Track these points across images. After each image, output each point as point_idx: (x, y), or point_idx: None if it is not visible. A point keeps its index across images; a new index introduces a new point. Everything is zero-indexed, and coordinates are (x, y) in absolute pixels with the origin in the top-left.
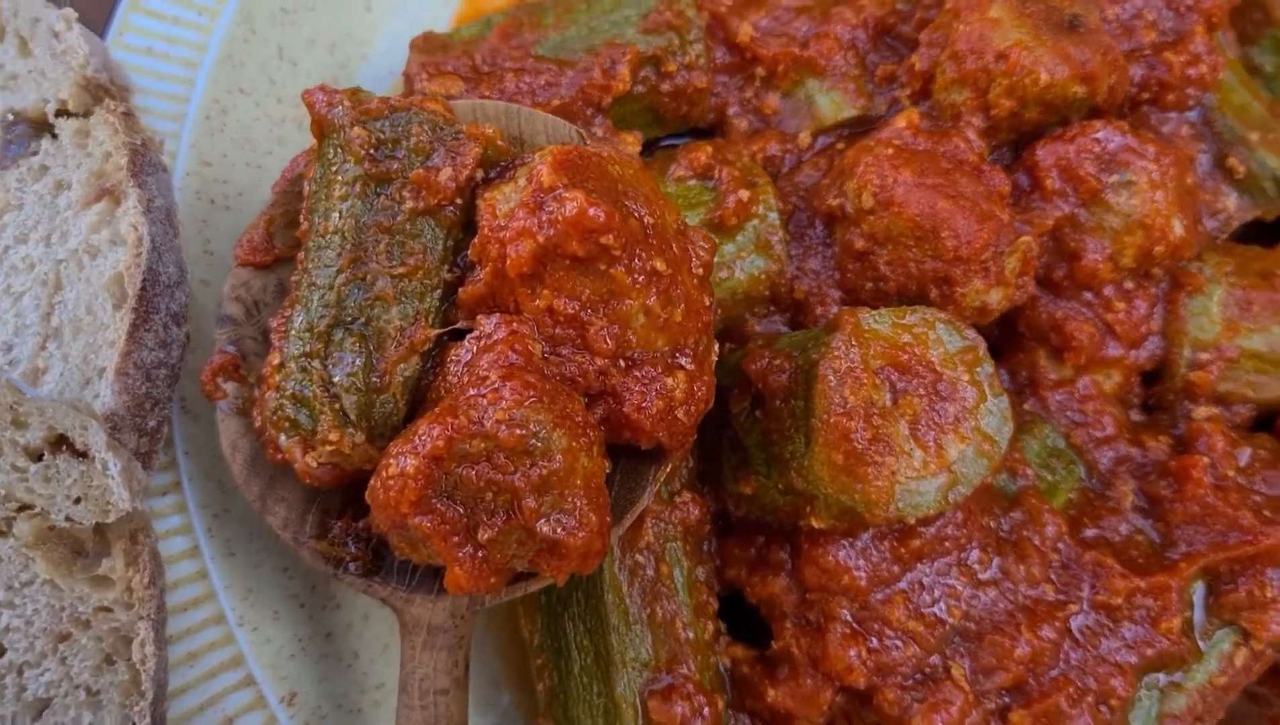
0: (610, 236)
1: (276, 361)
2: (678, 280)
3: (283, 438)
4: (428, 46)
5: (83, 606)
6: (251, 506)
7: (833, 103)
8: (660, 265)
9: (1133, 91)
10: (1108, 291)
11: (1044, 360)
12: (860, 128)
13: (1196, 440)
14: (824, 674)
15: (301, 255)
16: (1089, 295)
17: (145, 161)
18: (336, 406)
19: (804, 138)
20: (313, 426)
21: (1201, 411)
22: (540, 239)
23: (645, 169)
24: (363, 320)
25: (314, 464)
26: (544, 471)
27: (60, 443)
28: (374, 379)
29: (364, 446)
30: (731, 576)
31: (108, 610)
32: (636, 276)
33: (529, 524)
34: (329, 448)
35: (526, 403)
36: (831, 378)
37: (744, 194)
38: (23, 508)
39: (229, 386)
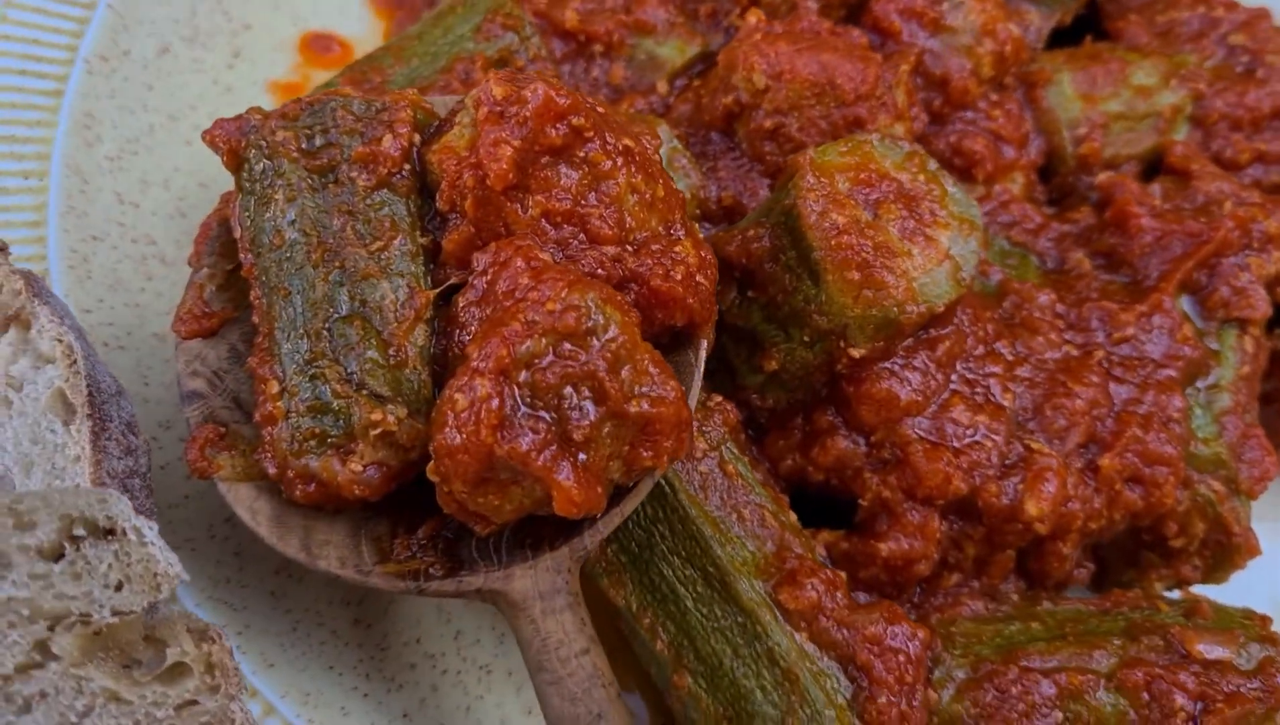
0: (580, 117)
1: (275, 390)
2: (649, 157)
3: (312, 461)
4: None
5: (161, 711)
6: (297, 563)
7: (674, 49)
8: (630, 142)
9: None
10: (982, 105)
11: None
12: (708, 63)
13: (1113, 189)
14: (924, 499)
15: (256, 291)
16: (969, 114)
17: (40, 286)
18: (364, 392)
19: (661, 86)
20: (346, 427)
21: (1101, 176)
22: (516, 142)
23: None
24: (357, 303)
25: (359, 468)
26: (613, 347)
27: (74, 533)
28: (391, 354)
29: (409, 422)
30: (788, 468)
31: (192, 704)
32: (614, 156)
33: (618, 407)
34: (375, 432)
35: (571, 287)
36: (815, 208)
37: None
38: (57, 620)
39: (221, 457)
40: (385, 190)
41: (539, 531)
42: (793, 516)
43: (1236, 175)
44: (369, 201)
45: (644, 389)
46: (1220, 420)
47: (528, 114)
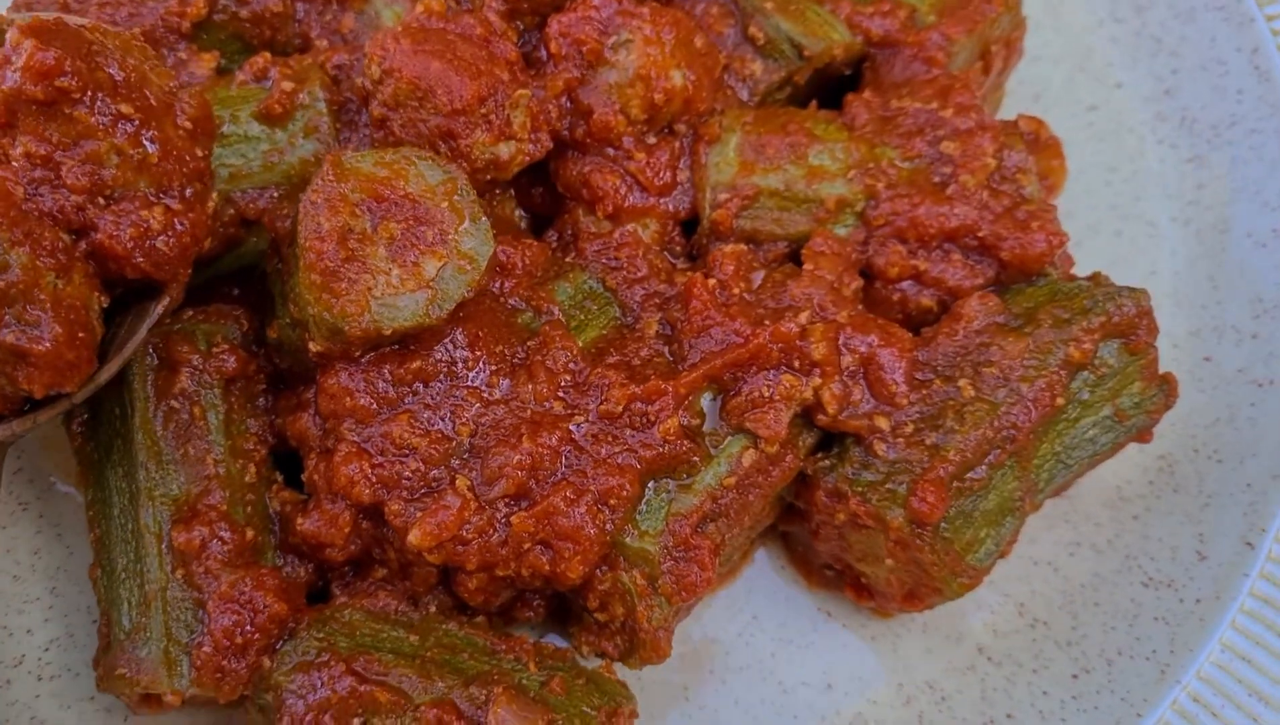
0: (66, 79)
1: None
2: (151, 125)
3: None
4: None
5: None
6: None
7: (394, 13)
8: (127, 109)
9: None
10: (627, 143)
11: (583, 216)
12: None
13: (710, 264)
14: (338, 494)
15: None
16: (612, 150)
17: None
18: None
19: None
20: None
21: (728, 248)
22: (5, 87)
23: (144, 47)
24: None
25: None
26: (2, 284)
27: None
28: None
29: None
30: (277, 427)
31: None
32: (101, 118)
33: None
34: None
35: None
36: (310, 208)
37: (287, 85)
38: None
39: None
40: None
41: None
42: (250, 471)
43: (887, 287)
44: None
45: (24, 328)
46: (670, 520)
47: (18, 67)
